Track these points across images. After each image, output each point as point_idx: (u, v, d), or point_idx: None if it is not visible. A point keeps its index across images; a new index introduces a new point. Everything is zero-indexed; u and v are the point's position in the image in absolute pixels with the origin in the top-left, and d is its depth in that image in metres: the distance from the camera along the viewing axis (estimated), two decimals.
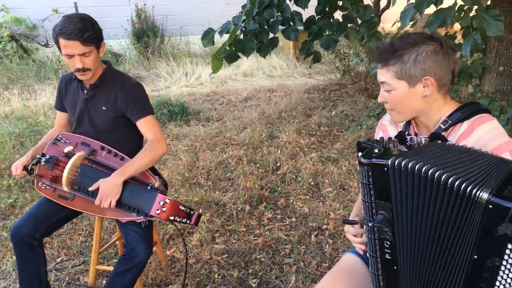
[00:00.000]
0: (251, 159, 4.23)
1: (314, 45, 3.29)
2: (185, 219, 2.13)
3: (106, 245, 2.60)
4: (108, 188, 2.04)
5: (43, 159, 2.21)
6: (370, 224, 1.39)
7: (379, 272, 1.46)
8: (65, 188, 2.15)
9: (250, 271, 2.69)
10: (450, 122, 1.49)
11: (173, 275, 2.67)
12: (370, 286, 1.51)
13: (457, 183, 1.18)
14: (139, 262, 2.15)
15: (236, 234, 3.07)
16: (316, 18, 3.12)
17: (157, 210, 2.07)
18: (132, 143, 2.38)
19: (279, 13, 2.98)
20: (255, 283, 2.59)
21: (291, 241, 2.97)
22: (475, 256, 1.19)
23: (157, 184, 2.17)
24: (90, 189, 2.09)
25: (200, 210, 3.33)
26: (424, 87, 1.45)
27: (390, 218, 1.35)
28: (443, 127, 1.50)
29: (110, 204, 2.04)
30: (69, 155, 2.21)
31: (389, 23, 6.61)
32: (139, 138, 2.43)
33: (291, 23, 3.02)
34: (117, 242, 2.70)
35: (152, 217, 2.11)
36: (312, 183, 3.70)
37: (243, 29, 2.96)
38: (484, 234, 1.16)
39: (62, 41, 2.06)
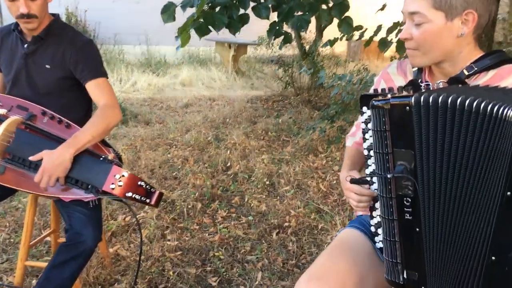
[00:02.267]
0: (199, 159, 3.92)
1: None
2: (145, 198, 1.79)
3: (37, 238, 2.17)
4: (55, 163, 1.65)
5: None
6: (389, 176, 1.16)
7: (395, 237, 1.22)
8: None
9: (209, 269, 2.37)
10: (476, 68, 1.29)
11: (118, 274, 2.27)
12: (383, 257, 1.27)
13: (489, 107, 0.98)
14: (85, 249, 1.77)
15: (189, 231, 2.74)
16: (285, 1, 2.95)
17: (112, 184, 1.72)
18: (80, 112, 2.02)
19: None
20: (215, 281, 2.26)
21: (250, 239, 2.68)
22: (508, 193, 0.97)
23: (111, 156, 1.83)
24: (31, 158, 1.70)
25: (146, 207, 2.96)
26: (462, 23, 1.22)
27: (412, 168, 1.12)
28: (466, 73, 1.27)
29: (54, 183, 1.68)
30: (1, 119, 1.81)
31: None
32: (88, 107, 2.08)
33: (262, 0, 2.82)
34: (48, 238, 2.27)
35: (105, 193, 1.75)
36: (267, 182, 3.45)
37: (212, 1, 2.69)
38: None
39: None
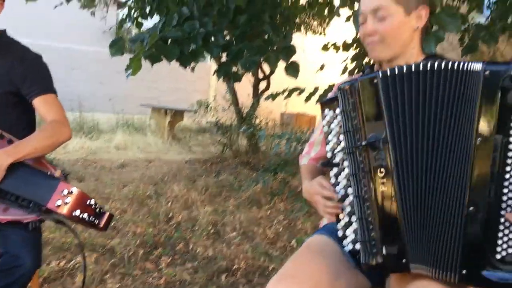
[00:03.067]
0: (138, 210, 3.74)
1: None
2: (94, 218, 1.66)
3: None
4: None
5: None
6: (363, 143, 1.17)
7: (370, 214, 1.17)
8: None
9: None
10: None
11: None
12: (358, 236, 1.22)
13: (450, 63, 1.08)
14: (23, 274, 1.57)
15: (131, 276, 2.53)
16: (234, 42, 3.04)
17: (58, 200, 1.58)
18: (21, 133, 1.86)
19: (201, 28, 2.81)
20: None
21: (198, 282, 2.52)
22: (479, 139, 1.02)
23: (57, 173, 1.70)
24: None
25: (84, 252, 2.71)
26: (416, 18, 1.34)
27: (384, 137, 1.14)
28: None
29: None
30: None
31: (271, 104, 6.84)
32: (31, 127, 1.94)
33: (214, 38, 2.87)
34: None
35: (48, 212, 1.60)
36: (212, 230, 3.33)
37: (164, 35, 2.70)
38: (485, 109, 1.01)
39: None
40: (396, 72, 1.13)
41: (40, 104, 1.78)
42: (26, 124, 1.89)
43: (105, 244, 2.91)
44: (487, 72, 1.01)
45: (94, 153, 6.98)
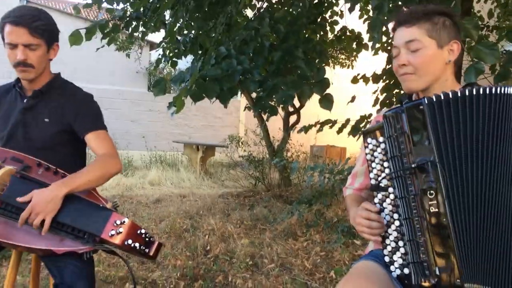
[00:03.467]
0: (177, 243, 3.80)
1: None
2: (144, 247, 1.72)
3: None
4: (44, 200, 1.58)
5: None
6: (413, 166, 1.21)
7: (421, 235, 1.21)
8: None
9: None
10: None
11: None
12: (408, 258, 1.25)
13: (492, 88, 1.16)
14: None
15: None
16: (269, 78, 3.14)
17: (111, 231, 1.65)
18: (73, 170, 1.97)
19: (238, 65, 2.92)
20: None
21: None
22: None
23: (109, 205, 1.78)
24: (19, 200, 1.61)
25: (127, 285, 2.79)
26: (448, 52, 1.41)
27: (433, 161, 1.19)
28: None
29: (42, 224, 1.58)
30: None
31: (301, 137, 6.89)
32: (81, 164, 2.04)
33: (250, 75, 2.98)
34: None
35: (103, 242, 1.67)
36: (250, 262, 3.35)
37: (204, 73, 2.83)
38: None
39: (7, 27, 1.75)
40: (442, 98, 1.20)
41: (91, 139, 1.89)
42: (76, 161, 2.00)
43: (147, 277, 2.97)
44: None
45: (130, 189, 7.15)
